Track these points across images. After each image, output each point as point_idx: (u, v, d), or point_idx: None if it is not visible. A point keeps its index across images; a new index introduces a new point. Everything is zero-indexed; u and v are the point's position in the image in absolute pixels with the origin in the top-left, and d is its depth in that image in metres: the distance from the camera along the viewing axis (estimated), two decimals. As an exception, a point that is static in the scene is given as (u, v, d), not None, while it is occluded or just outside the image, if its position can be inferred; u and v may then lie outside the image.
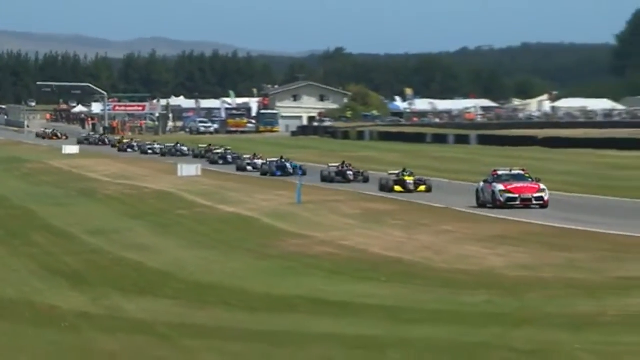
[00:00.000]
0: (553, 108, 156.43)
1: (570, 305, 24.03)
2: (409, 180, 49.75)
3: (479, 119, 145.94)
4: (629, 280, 26.43)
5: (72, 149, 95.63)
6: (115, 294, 28.43)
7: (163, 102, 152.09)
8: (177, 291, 28.93)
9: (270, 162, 65.25)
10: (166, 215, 46.69)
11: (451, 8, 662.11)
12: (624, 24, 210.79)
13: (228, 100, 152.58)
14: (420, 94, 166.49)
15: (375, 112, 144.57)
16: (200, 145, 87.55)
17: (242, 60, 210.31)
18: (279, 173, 62.68)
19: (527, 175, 43.79)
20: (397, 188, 49.33)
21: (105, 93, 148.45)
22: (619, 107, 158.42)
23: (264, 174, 64.45)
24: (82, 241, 40.07)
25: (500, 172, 43.85)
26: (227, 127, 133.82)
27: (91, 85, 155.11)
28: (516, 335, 20.81)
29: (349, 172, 57.11)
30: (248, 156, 71.36)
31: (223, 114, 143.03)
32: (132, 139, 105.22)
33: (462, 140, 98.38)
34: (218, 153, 78.14)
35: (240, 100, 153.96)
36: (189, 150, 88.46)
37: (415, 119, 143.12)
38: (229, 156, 76.15)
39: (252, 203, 47.90)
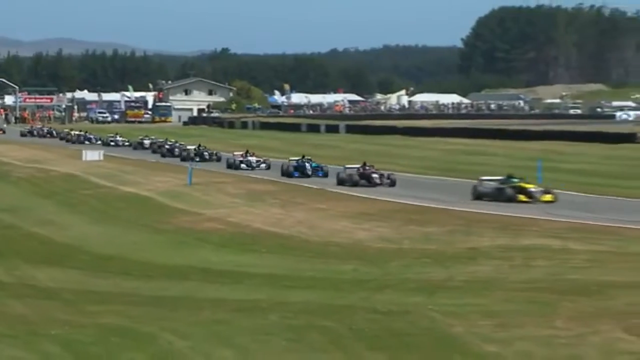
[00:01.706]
0: (410, 102, 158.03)
1: (424, 272, 24.29)
2: (532, 188, 37.83)
3: (347, 111, 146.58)
4: (474, 250, 26.83)
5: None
6: (26, 265, 28.00)
7: (69, 95, 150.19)
8: (82, 262, 28.59)
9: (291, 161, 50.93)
10: (72, 195, 46.01)
11: (322, 14, 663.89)
12: (469, 29, 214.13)
13: (127, 93, 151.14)
14: (296, 89, 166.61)
15: (257, 105, 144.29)
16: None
17: (139, 59, 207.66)
18: (296, 174, 48.95)
19: None
20: (522, 197, 37.50)
21: (16, 87, 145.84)
22: (465, 101, 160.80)
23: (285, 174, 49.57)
24: (-4, 218, 39.34)
25: None
26: (126, 118, 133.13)
27: (4, 80, 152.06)
28: (379, 299, 20.96)
29: (374, 175, 44.88)
30: (239, 153, 56.37)
31: (123, 106, 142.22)
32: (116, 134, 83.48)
33: (332, 129, 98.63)
34: (190, 149, 62.90)
35: (137, 94, 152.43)
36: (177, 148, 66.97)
37: (291, 111, 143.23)
38: (205, 153, 61.52)
39: (148, 184, 47.43)
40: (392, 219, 33.00)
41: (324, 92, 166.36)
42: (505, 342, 16.50)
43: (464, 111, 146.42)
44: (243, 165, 54.40)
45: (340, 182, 44.50)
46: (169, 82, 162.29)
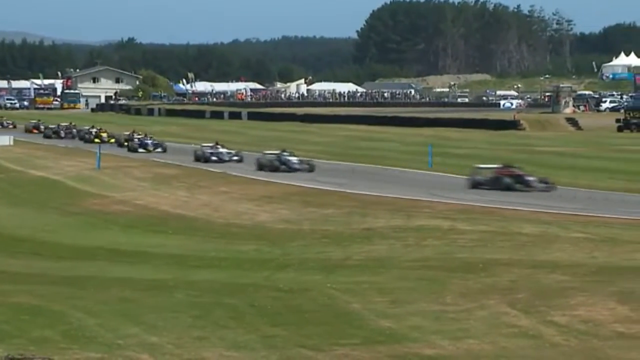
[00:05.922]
0: (308, 90, 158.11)
1: (323, 252, 24.37)
2: (295, 159, 37.54)
3: (249, 99, 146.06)
4: (370, 230, 26.99)
5: None
6: (-62, 247, 27.32)
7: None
8: (-7, 244, 28.01)
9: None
10: (-17, 179, 45.06)
11: (224, 6, 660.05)
12: (363, 21, 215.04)
13: (36, 81, 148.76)
14: (200, 77, 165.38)
15: (162, 93, 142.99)
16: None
17: (47, 48, 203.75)
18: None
19: None
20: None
21: None
22: (360, 89, 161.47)
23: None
24: None
25: None
26: (36, 104, 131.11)
27: None
28: (280, 277, 20.99)
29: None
30: (209, 144, 49.44)
31: (32, 93, 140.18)
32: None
33: (235, 116, 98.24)
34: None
35: (47, 82, 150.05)
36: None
37: (196, 99, 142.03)
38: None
39: (58, 168, 46.72)
40: (292, 201, 33.02)
41: (227, 81, 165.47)
42: (399, 318, 16.66)
43: (359, 99, 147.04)
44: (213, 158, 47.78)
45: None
46: (77, 70, 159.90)
